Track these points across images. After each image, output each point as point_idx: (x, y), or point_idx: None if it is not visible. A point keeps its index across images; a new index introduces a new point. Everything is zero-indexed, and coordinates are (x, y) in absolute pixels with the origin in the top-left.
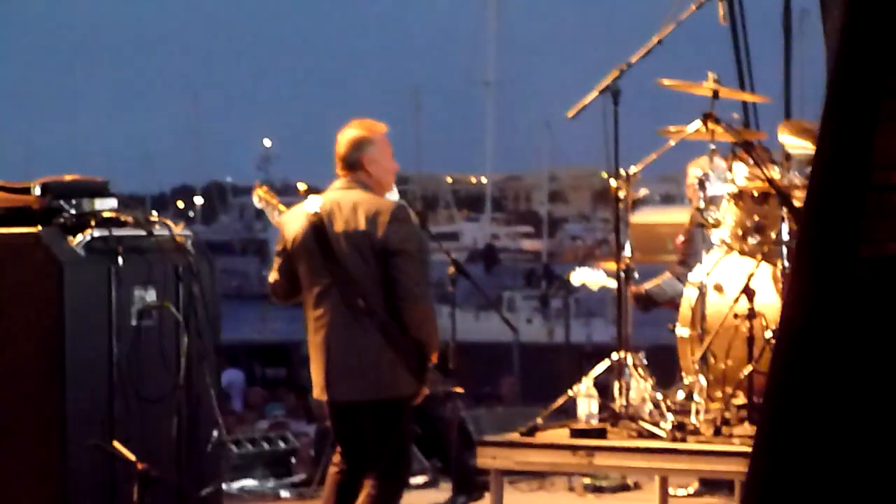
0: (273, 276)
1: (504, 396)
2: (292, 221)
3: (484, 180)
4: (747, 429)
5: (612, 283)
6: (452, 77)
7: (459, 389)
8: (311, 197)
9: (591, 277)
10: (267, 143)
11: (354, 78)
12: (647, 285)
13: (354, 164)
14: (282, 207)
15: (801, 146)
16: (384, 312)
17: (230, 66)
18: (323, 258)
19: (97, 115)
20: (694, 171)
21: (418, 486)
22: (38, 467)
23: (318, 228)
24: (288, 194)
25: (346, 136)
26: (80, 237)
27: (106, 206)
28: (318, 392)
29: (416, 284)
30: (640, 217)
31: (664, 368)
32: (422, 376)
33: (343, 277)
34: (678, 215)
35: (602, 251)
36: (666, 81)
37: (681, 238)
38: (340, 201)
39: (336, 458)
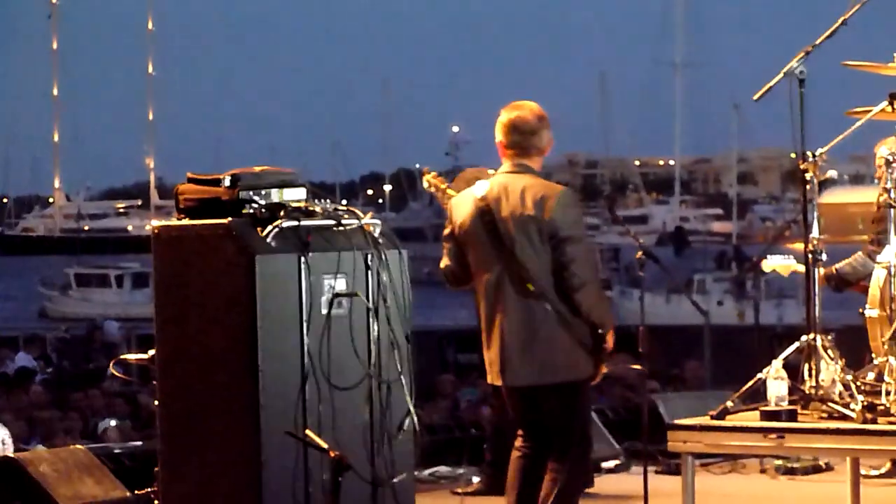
0: (444, 262)
1: (687, 380)
2: (461, 206)
3: (672, 163)
4: None
5: (803, 268)
6: (641, 59)
7: (641, 369)
8: (480, 182)
9: (782, 263)
10: (455, 129)
11: (542, 61)
12: (840, 265)
13: (528, 148)
14: (451, 192)
15: None
16: (555, 296)
17: (419, 53)
18: (491, 244)
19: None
20: (882, 152)
21: (609, 470)
22: (234, 456)
23: (486, 214)
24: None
25: (519, 118)
26: (269, 228)
27: (295, 196)
28: (492, 377)
29: (586, 268)
30: (829, 197)
31: (854, 350)
32: (599, 357)
33: (512, 262)
34: (868, 195)
35: (792, 232)
36: (851, 63)
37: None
38: (508, 185)
39: (518, 441)
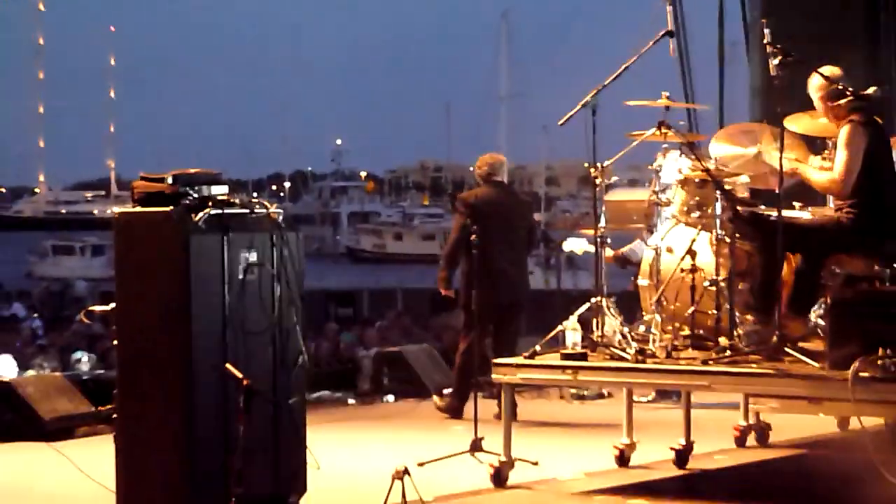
0: None
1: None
2: None
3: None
4: (691, 353)
5: (592, 249)
6: (475, 90)
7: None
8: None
9: (577, 245)
10: (338, 141)
11: (403, 90)
12: (623, 249)
13: None
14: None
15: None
16: None
17: (314, 77)
18: None
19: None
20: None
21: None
22: (172, 382)
23: None
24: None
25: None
26: (200, 214)
27: (219, 191)
28: None
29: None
30: (612, 196)
31: (630, 309)
32: None
33: None
34: (641, 195)
35: (585, 221)
36: (631, 102)
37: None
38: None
39: None
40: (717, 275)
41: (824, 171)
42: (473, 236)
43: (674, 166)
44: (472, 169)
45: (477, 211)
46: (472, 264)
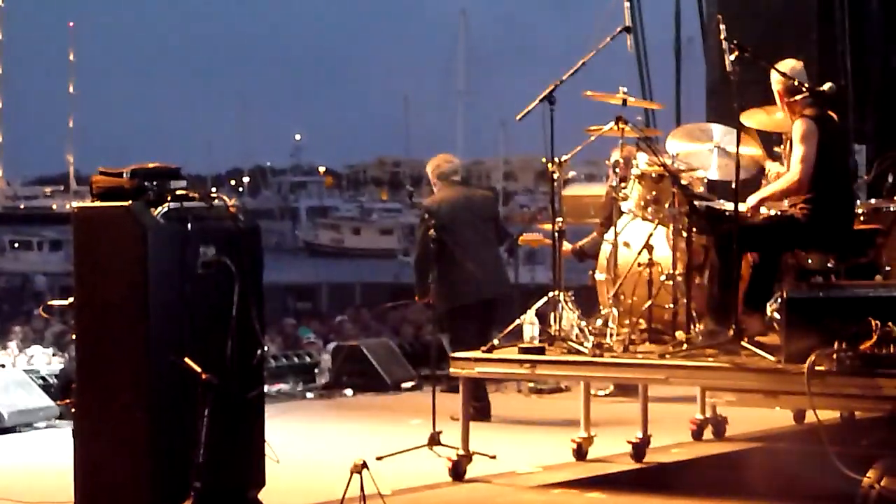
0: None
1: None
2: None
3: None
4: (648, 346)
5: (549, 242)
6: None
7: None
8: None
9: (533, 238)
10: (297, 136)
11: (362, 85)
12: (581, 242)
13: None
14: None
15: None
16: None
17: (272, 73)
18: None
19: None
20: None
21: (407, 389)
22: (131, 376)
23: None
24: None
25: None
26: (159, 209)
27: (178, 185)
28: None
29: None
30: (569, 191)
31: (587, 303)
32: None
33: None
34: (598, 190)
35: (542, 216)
36: (589, 93)
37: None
38: None
39: None
40: (674, 269)
41: (781, 177)
42: (434, 244)
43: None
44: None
45: (442, 215)
46: (444, 268)
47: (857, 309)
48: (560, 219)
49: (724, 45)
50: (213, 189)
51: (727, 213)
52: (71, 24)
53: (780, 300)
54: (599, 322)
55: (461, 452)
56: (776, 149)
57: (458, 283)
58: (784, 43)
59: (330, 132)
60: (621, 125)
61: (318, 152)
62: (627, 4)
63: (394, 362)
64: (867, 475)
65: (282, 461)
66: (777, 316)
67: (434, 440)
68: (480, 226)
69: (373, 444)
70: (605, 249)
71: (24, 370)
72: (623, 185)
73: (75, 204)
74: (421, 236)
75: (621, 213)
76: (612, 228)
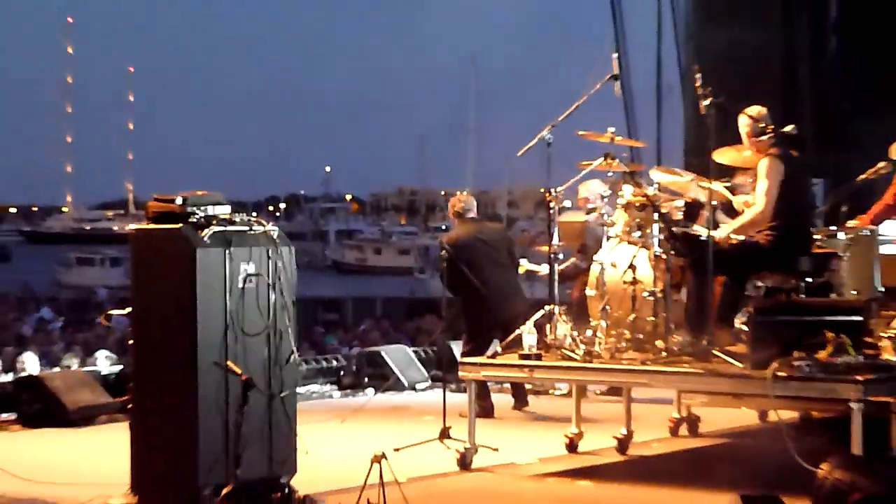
0: None
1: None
2: None
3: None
4: (632, 354)
5: (544, 269)
6: (446, 124)
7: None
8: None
9: (529, 266)
10: (328, 168)
11: (381, 125)
12: (560, 267)
13: None
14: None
15: (667, 178)
16: None
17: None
18: None
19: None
20: (585, 190)
21: (422, 390)
22: (180, 377)
23: None
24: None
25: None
26: (206, 231)
27: (223, 210)
28: None
29: None
30: (564, 218)
31: (579, 316)
32: None
33: None
34: (575, 217)
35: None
36: (581, 132)
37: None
38: None
39: None
40: (655, 286)
41: (748, 210)
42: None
43: (618, 192)
44: (443, 196)
45: (460, 248)
46: (465, 294)
47: (814, 323)
48: (556, 242)
49: (699, 91)
50: (254, 214)
51: (701, 239)
52: (131, 68)
53: (747, 314)
54: (589, 332)
55: (468, 445)
56: (735, 181)
57: (480, 313)
58: (752, 89)
59: (356, 165)
60: (609, 160)
61: (346, 182)
62: (615, 55)
63: (410, 366)
64: (822, 467)
65: (311, 452)
66: (744, 328)
67: (444, 434)
68: (494, 255)
69: (390, 437)
70: (594, 269)
71: (87, 370)
72: (605, 214)
73: (133, 226)
74: (442, 268)
75: (599, 240)
76: (594, 253)
